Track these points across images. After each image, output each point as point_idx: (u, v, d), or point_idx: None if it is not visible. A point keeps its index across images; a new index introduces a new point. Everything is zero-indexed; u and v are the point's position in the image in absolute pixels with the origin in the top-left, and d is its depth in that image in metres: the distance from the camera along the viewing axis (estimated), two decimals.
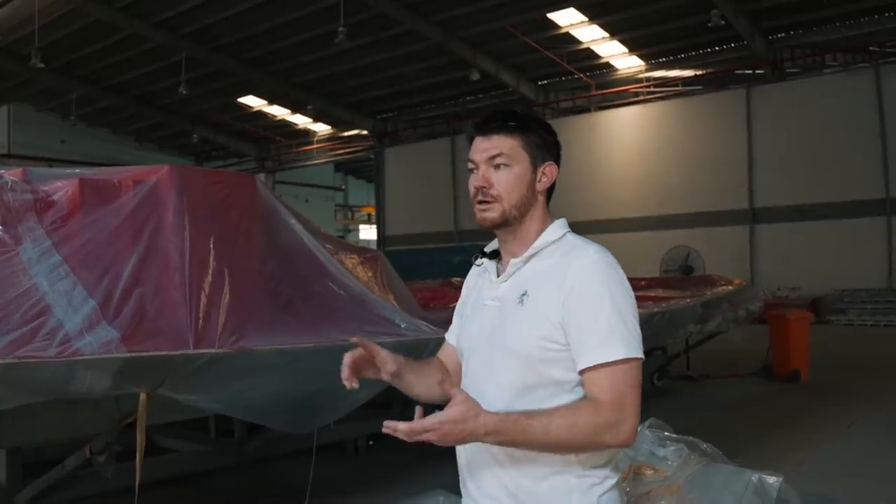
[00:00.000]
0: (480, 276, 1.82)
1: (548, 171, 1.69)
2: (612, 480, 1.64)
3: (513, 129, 1.66)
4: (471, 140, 1.71)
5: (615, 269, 1.61)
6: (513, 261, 1.69)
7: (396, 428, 1.41)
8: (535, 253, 1.67)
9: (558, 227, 1.70)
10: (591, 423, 1.51)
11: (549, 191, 1.72)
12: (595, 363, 1.53)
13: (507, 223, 1.67)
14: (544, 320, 1.58)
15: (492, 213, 1.66)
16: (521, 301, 1.63)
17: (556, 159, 1.72)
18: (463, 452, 1.71)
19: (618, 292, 1.58)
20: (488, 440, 1.48)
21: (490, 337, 1.68)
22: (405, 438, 1.42)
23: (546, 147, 1.69)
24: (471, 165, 1.70)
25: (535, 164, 1.67)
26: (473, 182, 1.69)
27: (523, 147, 1.66)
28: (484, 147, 1.67)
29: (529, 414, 1.53)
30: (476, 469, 1.67)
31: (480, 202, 1.67)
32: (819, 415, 7.50)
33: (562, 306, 1.56)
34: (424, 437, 1.42)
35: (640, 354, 1.56)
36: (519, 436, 1.49)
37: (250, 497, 5.32)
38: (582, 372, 1.56)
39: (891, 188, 18.14)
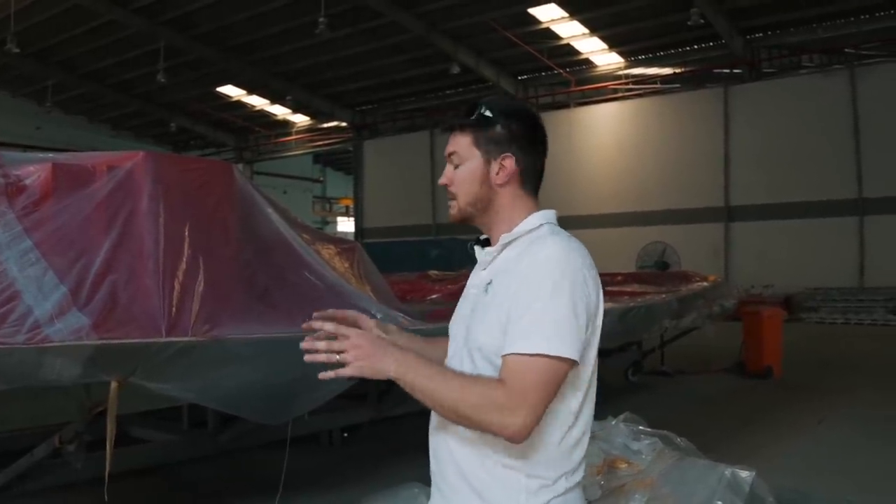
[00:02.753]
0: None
1: (506, 164, 1.64)
2: (568, 484, 1.57)
3: (464, 127, 1.67)
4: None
5: (570, 263, 1.51)
6: (487, 249, 1.69)
7: (322, 326, 1.53)
8: (510, 242, 1.64)
9: (536, 218, 1.65)
10: (482, 395, 1.44)
11: (528, 181, 1.67)
12: (511, 352, 1.46)
13: (464, 219, 1.71)
14: (497, 319, 1.53)
15: (452, 210, 1.72)
16: (487, 290, 1.61)
17: (522, 149, 1.65)
18: (432, 441, 1.69)
19: (563, 287, 1.48)
20: (390, 368, 1.47)
21: (465, 325, 1.66)
22: (328, 332, 1.51)
23: (509, 139, 1.64)
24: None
25: (488, 159, 1.64)
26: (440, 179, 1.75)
27: (474, 143, 1.65)
28: (447, 145, 1.71)
29: (439, 365, 1.56)
30: (439, 458, 1.66)
31: (449, 198, 1.73)
32: (791, 410, 7.57)
33: (510, 305, 1.52)
34: (345, 345, 1.48)
35: (564, 354, 1.46)
36: (419, 373, 1.47)
37: (223, 488, 5.28)
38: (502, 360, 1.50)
39: (864, 188, 18.38)
